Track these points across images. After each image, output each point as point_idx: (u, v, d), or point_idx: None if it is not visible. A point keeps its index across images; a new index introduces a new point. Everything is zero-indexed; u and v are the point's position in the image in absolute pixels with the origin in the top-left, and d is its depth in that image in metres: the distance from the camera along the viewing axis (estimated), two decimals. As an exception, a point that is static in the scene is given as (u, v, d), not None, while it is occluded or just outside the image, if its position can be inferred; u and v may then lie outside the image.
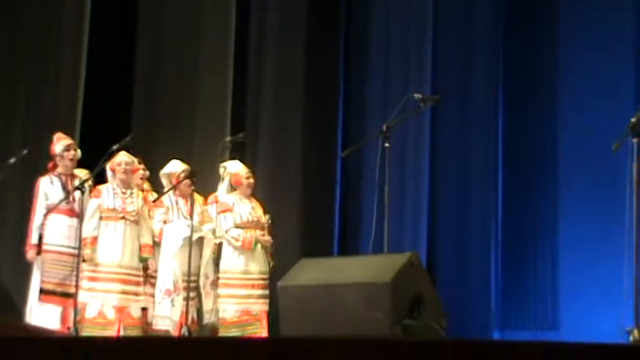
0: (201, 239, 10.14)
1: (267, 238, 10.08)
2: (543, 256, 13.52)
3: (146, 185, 10.68)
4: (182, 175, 10.08)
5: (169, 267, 9.97)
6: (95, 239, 9.87)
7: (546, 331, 13.11)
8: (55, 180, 10.11)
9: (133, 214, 9.99)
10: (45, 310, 9.75)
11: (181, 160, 10.41)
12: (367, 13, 13.51)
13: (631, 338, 6.21)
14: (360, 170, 12.58)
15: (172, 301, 9.89)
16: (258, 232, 10.02)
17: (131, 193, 10.07)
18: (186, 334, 9.30)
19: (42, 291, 9.81)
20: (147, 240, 10.03)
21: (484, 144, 13.74)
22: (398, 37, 13.42)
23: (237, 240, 9.92)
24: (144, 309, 10.12)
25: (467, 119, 13.67)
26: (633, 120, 6.52)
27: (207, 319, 10.16)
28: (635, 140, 6.50)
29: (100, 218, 9.94)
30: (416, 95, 9.32)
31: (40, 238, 9.93)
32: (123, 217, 9.95)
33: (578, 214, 12.96)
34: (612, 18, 12.99)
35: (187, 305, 9.51)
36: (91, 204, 9.93)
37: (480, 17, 13.71)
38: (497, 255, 13.67)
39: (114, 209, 9.92)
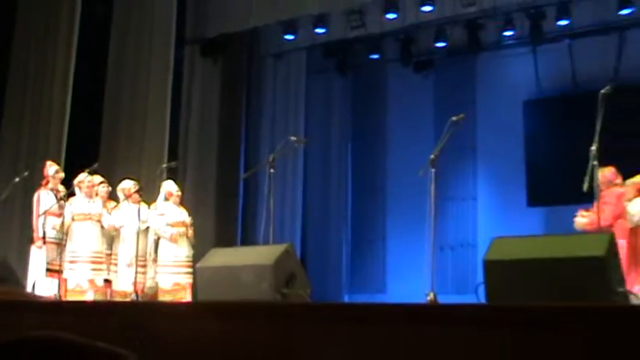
0: (146, 231, 10.09)
1: (190, 233, 10.06)
2: (376, 243, 13.86)
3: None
4: (133, 189, 10.02)
5: (127, 249, 9.88)
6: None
7: (377, 294, 13.38)
8: (50, 192, 10.03)
9: (97, 215, 9.94)
10: (48, 281, 9.68)
11: (132, 179, 10.34)
12: (262, 84, 13.67)
13: (428, 298, 6.35)
14: (255, 187, 12.70)
15: (129, 271, 9.81)
16: (183, 229, 10.01)
17: (93, 202, 10.00)
18: (135, 298, 9.24)
19: (47, 270, 9.74)
20: (109, 222, 9.99)
21: (339, 169, 14.08)
22: (282, 99, 13.62)
23: (166, 233, 9.90)
24: (107, 280, 10.04)
25: (327, 154, 14.01)
26: (432, 156, 6.67)
27: (149, 286, 10.12)
28: (432, 170, 6.67)
29: (73, 219, 9.88)
30: (292, 138, 9.44)
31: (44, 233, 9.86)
32: (90, 218, 9.91)
33: (398, 215, 13.37)
34: (419, 95, 13.51)
35: (135, 277, 9.43)
36: (66, 209, 9.86)
37: (337, 93, 14.13)
38: (348, 244, 13.93)
39: (82, 213, 9.87)
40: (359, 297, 13.55)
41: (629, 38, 11.98)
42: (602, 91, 6.71)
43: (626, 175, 8.84)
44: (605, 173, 8.53)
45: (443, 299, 8.27)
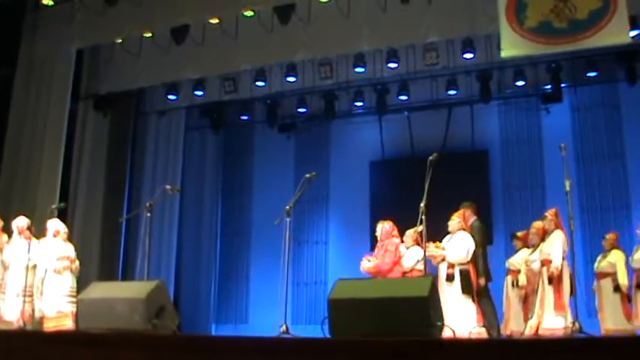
0: (35, 265, 9.69)
1: (75, 267, 9.71)
2: (241, 280, 13.84)
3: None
4: (25, 226, 9.66)
5: (16, 281, 9.45)
6: None
7: (241, 324, 13.31)
8: None
9: None
10: None
11: (26, 217, 9.96)
12: (145, 137, 13.52)
13: (281, 329, 6.38)
14: (136, 229, 12.44)
15: (17, 301, 9.37)
16: (68, 263, 9.64)
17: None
18: (22, 325, 8.86)
19: None
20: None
21: (210, 215, 14.02)
22: (163, 151, 13.49)
23: (51, 265, 9.52)
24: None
25: (200, 201, 13.96)
26: (287, 207, 6.76)
27: (36, 315, 9.69)
28: (287, 219, 6.74)
29: None
30: (167, 187, 9.29)
31: None
32: None
33: (261, 256, 13.39)
34: (282, 153, 13.79)
35: (23, 306, 9.05)
36: None
37: (211, 147, 14.17)
38: (216, 280, 13.82)
39: None
40: (225, 327, 13.44)
41: (455, 114, 12.50)
42: (430, 157, 6.96)
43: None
44: (385, 226, 8.82)
45: (297, 329, 8.31)
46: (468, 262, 8.30)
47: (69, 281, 9.61)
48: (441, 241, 8.55)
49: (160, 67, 12.02)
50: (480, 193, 12.20)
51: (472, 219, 8.93)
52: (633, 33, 9.29)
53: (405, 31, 10.51)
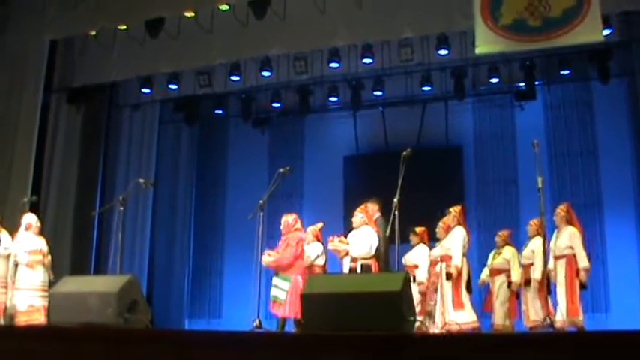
0: (8, 257, 9.58)
1: (47, 261, 9.62)
2: (215, 274, 13.83)
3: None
4: (-5, 218, 9.57)
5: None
6: None
7: (214, 319, 13.29)
8: None
9: None
10: None
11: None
12: (119, 130, 13.42)
13: (254, 324, 6.38)
14: (109, 223, 12.32)
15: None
16: (40, 257, 9.53)
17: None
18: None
19: None
20: None
21: (184, 209, 13.97)
22: (136, 144, 13.42)
23: (23, 259, 9.41)
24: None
25: (174, 195, 13.93)
26: (260, 202, 6.76)
27: (9, 308, 9.60)
28: (261, 213, 6.75)
29: None
30: (140, 180, 9.24)
31: None
32: None
33: (234, 250, 13.40)
34: (256, 147, 13.68)
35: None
36: None
37: (184, 141, 14.11)
38: (190, 274, 13.78)
39: None
40: (198, 321, 13.42)
41: (429, 110, 12.56)
42: (404, 153, 6.98)
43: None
44: (288, 219, 8.85)
45: (271, 324, 8.32)
46: (371, 257, 8.30)
47: (41, 275, 9.53)
48: (345, 236, 8.59)
49: (134, 60, 11.95)
50: (453, 189, 12.28)
51: (376, 215, 8.93)
52: (606, 32, 9.40)
53: (380, 27, 10.53)
